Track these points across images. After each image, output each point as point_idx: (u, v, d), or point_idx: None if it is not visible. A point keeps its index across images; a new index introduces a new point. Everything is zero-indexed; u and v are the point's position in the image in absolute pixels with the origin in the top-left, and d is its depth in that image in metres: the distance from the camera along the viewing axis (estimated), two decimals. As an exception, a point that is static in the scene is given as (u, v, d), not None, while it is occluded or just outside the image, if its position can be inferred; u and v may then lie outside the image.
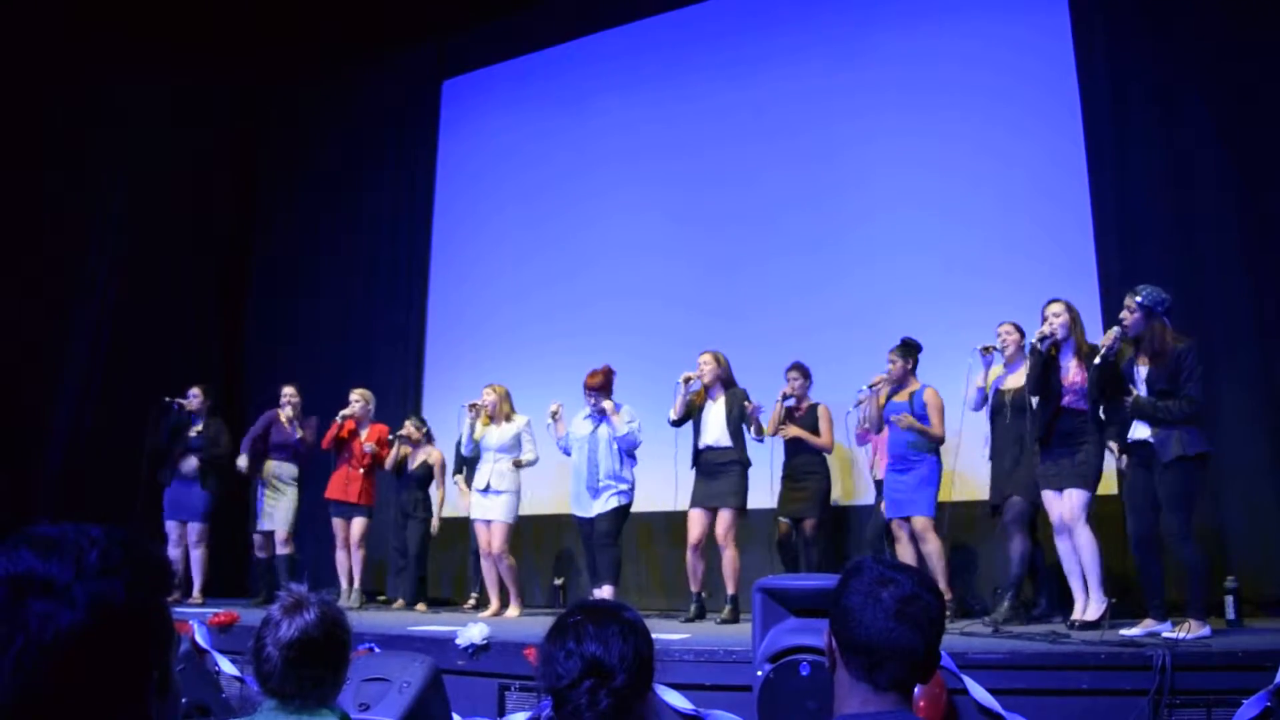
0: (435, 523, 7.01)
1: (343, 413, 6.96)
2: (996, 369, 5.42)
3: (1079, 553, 4.68)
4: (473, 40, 9.19)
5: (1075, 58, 6.46)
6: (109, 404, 8.32)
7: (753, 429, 5.91)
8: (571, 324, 7.88)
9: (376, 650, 4.41)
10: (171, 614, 1.01)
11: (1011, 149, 6.57)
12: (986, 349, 5.35)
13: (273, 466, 7.12)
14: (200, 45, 9.02)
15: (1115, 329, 4.47)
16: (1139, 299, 4.40)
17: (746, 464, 5.90)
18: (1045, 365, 4.83)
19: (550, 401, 6.30)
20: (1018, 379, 5.21)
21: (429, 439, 7.19)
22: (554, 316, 8.07)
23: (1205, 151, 5.98)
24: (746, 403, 5.86)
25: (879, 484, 6.03)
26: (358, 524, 6.94)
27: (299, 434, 7.13)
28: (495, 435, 6.44)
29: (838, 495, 6.53)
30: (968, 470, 6.00)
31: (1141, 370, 4.44)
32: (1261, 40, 5.87)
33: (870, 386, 5.78)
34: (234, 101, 9.90)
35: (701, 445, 5.96)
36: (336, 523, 6.98)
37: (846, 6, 7.44)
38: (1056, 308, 4.86)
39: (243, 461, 7.04)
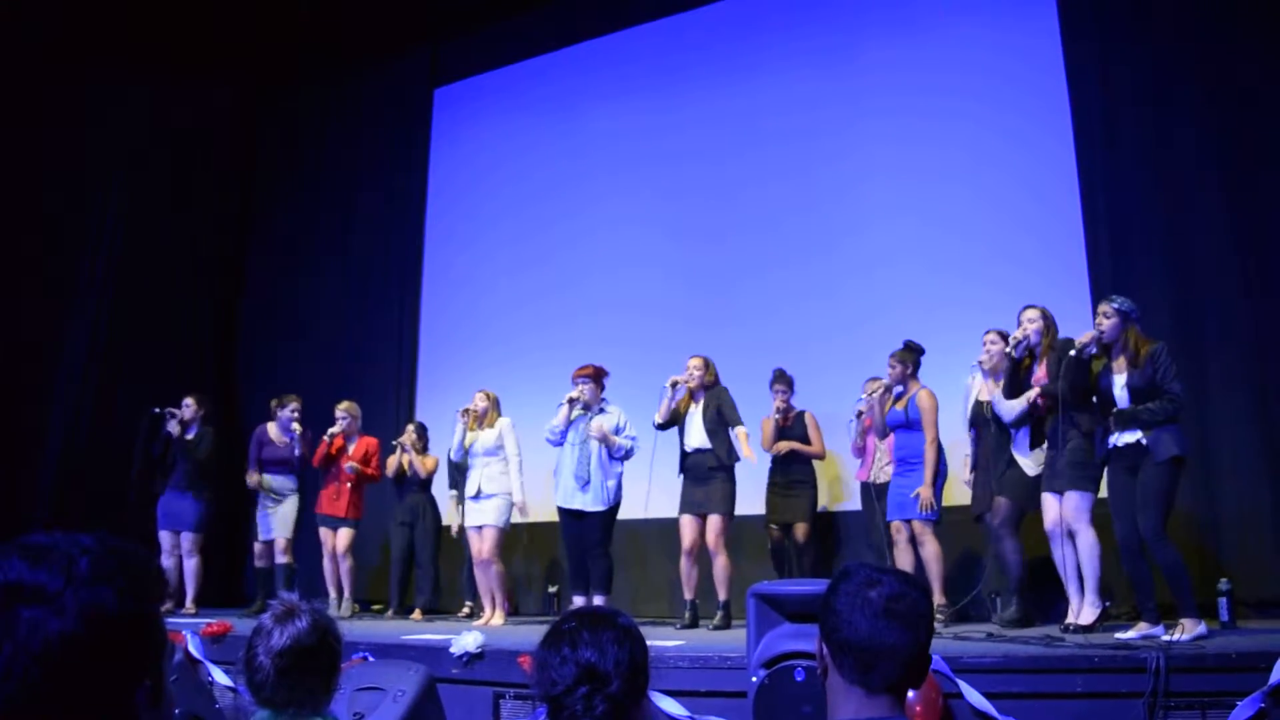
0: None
1: (330, 431, 6.94)
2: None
3: (1080, 555, 4.67)
4: (465, 47, 9.21)
5: (1065, 62, 6.48)
6: (104, 410, 8.29)
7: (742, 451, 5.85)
8: (564, 329, 7.87)
9: (371, 659, 4.40)
10: (165, 623, 1.01)
11: (1001, 154, 6.59)
12: (980, 363, 5.34)
13: (268, 480, 7.11)
14: (198, 50, 9.03)
15: (1093, 331, 4.53)
16: (1114, 305, 4.50)
17: (732, 468, 5.88)
18: (1015, 370, 4.91)
19: (541, 405, 6.27)
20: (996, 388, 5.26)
21: (424, 448, 7.21)
22: (546, 322, 8.06)
23: (1196, 154, 6.01)
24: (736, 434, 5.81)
25: (866, 488, 6.05)
26: (343, 534, 6.91)
27: (300, 448, 7.11)
28: (482, 440, 6.43)
29: (827, 501, 6.56)
30: (967, 474, 6.00)
31: (1119, 379, 4.47)
32: (1252, 43, 5.90)
33: (867, 395, 5.79)
34: (230, 106, 9.90)
35: (688, 448, 5.95)
36: (324, 532, 6.96)
37: (837, 15, 7.46)
38: (1031, 314, 4.94)
39: (252, 479, 7.05)
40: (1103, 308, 4.53)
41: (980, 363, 5.31)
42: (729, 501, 5.82)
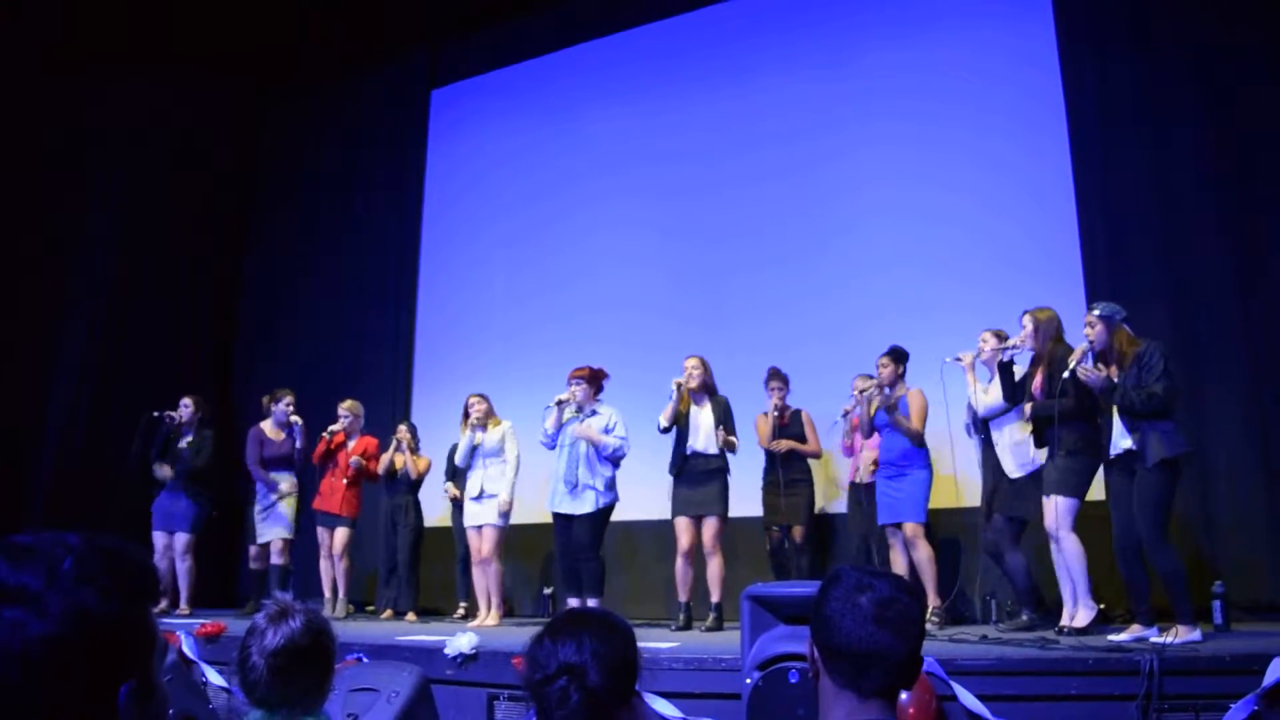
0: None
1: (331, 428, 6.92)
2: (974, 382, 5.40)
3: (1066, 560, 4.70)
4: (464, 49, 9.22)
5: (1061, 65, 6.50)
6: (102, 411, 8.29)
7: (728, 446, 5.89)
8: (560, 331, 7.88)
9: (365, 660, 4.40)
10: (156, 622, 1.00)
11: (998, 156, 6.60)
12: (959, 359, 5.34)
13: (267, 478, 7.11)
14: (198, 50, 9.05)
15: (1084, 344, 4.56)
16: (1097, 312, 4.52)
17: (727, 471, 5.90)
18: (1007, 374, 4.94)
19: (537, 406, 6.26)
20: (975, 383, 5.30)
21: (415, 449, 7.21)
22: (543, 322, 8.07)
23: (1192, 157, 6.02)
24: (719, 432, 5.84)
25: (854, 487, 6.08)
26: (340, 534, 6.88)
27: (301, 441, 7.07)
28: (485, 443, 6.41)
29: (824, 502, 6.54)
30: (960, 476, 6.02)
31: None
32: (1247, 48, 5.91)
33: (860, 391, 5.79)
34: (230, 106, 9.91)
35: (689, 451, 5.91)
36: (321, 532, 6.93)
37: (834, 18, 7.47)
38: (1025, 320, 4.95)
39: (278, 477, 7.01)
40: (1087, 318, 4.57)
41: (959, 358, 5.30)
42: (725, 503, 5.83)
